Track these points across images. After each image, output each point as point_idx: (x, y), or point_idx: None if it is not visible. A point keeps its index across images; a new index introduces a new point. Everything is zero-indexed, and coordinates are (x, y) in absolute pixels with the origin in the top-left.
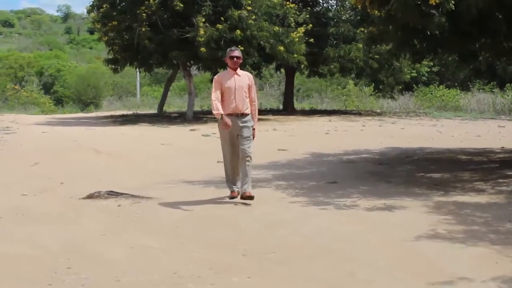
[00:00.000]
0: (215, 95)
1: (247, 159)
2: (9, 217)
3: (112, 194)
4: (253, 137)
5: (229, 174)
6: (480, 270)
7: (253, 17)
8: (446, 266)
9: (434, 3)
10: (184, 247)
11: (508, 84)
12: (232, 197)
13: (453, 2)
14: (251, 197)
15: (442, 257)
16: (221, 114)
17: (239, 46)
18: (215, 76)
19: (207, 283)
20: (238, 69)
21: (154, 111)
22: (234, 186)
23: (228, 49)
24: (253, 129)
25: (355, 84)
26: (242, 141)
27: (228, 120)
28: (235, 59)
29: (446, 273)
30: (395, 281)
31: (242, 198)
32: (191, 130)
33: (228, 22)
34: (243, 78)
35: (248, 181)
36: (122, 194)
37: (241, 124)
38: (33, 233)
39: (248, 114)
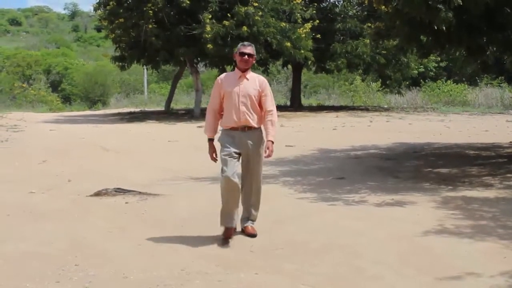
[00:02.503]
0: (211, 105)
1: (253, 190)
2: (17, 214)
3: (119, 191)
4: (269, 152)
5: (226, 206)
6: (488, 265)
7: (260, 13)
8: (454, 261)
9: None
10: (192, 243)
11: None
12: (226, 237)
13: None
14: (253, 235)
15: (450, 252)
16: (209, 138)
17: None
18: (218, 77)
19: (214, 279)
20: (249, 71)
21: (161, 108)
22: (231, 220)
23: (240, 44)
24: (270, 141)
25: (362, 80)
26: (248, 165)
27: (212, 151)
28: (246, 56)
29: (454, 268)
30: (403, 277)
31: (242, 231)
32: (199, 127)
33: (235, 19)
34: (252, 83)
35: (251, 214)
36: (129, 191)
37: (248, 141)
38: (41, 231)
39: (258, 128)
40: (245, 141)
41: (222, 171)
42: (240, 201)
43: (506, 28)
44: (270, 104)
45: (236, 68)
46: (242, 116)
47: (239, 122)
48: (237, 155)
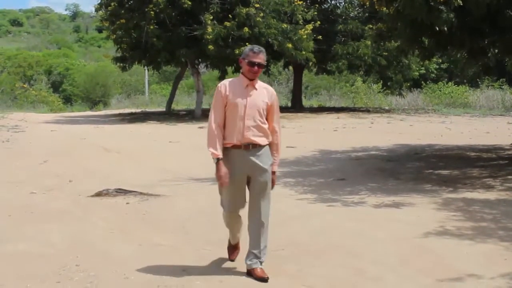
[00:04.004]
0: (216, 119)
1: (259, 223)
2: (18, 215)
3: (120, 191)
4: (272, 185)
5: (232, 229)
6: (489, 266)
7: (261, 14)
8: (454, 263)
9: (442, 0)
10: (193, 244)
11: None
12: (231, 259)
13: None
14: (263, 279)
15: (450, 253)
16: (218, 158)
17: (247, 43)
18: (220, 84)
19: (215, 280)
20: (257, 78)
21: (162, 109)
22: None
23: (249, 49)
24: (273, 172)
25: (364, 81)
26: (255, 190)
27: (224, 172)
28: (256, 67)
29: (455, 269)
30: (403, 278)
31: (248, 274)
32: (200, 127)
33: (236, 20)
34: (261, 93)
35: (259, 252)
36: (130, 191)
37: (253, 161)
38: (42, 231)
39: (265, 146)
40: (249, 161)
41: (225, 206)
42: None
43: (508, 30)
44: (277, 122)
45: (241, 74)
46: (247, 132)
47: (243, 139)
48: (243, 181)
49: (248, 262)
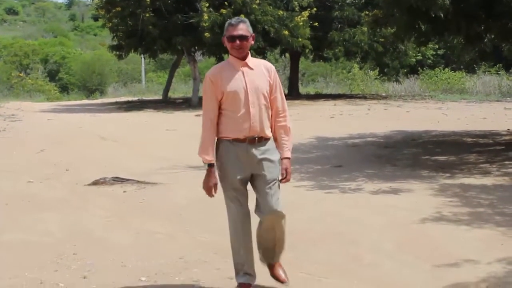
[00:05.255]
0: (208, 115)
1: (276, 218)
2: (16, 204)
3: (117, 180)
4: (288, 176)
5: (239, 250)
6: (486, 252)
7: (257, 1)
8: (451, 249)
9: None
10: (190, 232)
11: None
12: None
13: None
14: (283, 281)
15: (447, 239)
16: (209, 163)
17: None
18: (208, 73)
19: (212, 268)
20: (249, 56)
21: (159, 97)
22: (247, 276)
23: (227, 23)
24: (286, 158)
25: (360, 68)
26: (263, 189)
27: (214, 183)
28: (237, 41)
29: (452, 255)
30: (401, 264)
31: (272, 272)
32: (196, 115)
33: (232, 7)
34: (260, 72)
35: (277, 253)
36: (127, 180)
37: (259, 157)
38: (39, 220)
39: (270, 139)
40: (255, 157)
41: (231, 209)
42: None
43: (504, 16)
44: (282, 101)
45: (230, 56)
46: (253, 123)
47: (249, 131)
48: (243, 182)
49: (265, 260)
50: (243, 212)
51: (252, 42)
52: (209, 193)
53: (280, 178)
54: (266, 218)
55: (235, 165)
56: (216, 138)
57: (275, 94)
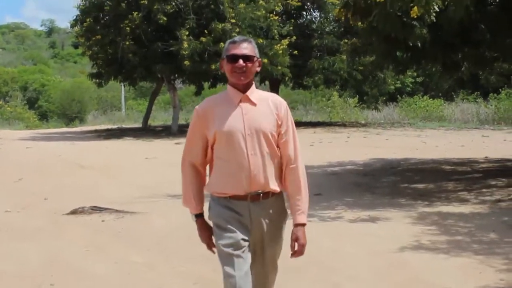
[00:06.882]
0: (188, 156)
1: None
2: None
3: (96, 209)
4: (300, 248)
5: None
6: (464, 280)
7: (237, 29)
8: (430, 277)
9: (415, 16)
10: (169, 261)
11: (491, 94)
12: None
13: (434, 14)
14: None
15: (425, 268)
16: (195, 214)
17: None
18: (198, 107)
19: None
20: (253, 87)
21: (139, 125)
22: None
23: (228, 42)
24: (300, 224)
25: (340, 96)
26: (263, 254)
27: (207, 235)
28: (241, 61)
29: (430, 284)
30: None
31: None
32: (176, 143)
33: (212, 35)
34: (264, 107)
35: None
36: (106, 209)
37: (262, 218)
38: (17, 250)
39: (278, 194)
40: (259, 218)
41: (227, 274)
42: None
43: (481, 44)
44: (294, 148)
45: (228, 87)
46: (254, 176)
47: (249, 186)
48: (246, 244)
49: None
50: (243, 278)
51: (258, 69)
52: (210, 248)
53: (291, 253)
54: (255, 283)
55: (235, 222)
56: (202, 183)
57: (286, 137)
